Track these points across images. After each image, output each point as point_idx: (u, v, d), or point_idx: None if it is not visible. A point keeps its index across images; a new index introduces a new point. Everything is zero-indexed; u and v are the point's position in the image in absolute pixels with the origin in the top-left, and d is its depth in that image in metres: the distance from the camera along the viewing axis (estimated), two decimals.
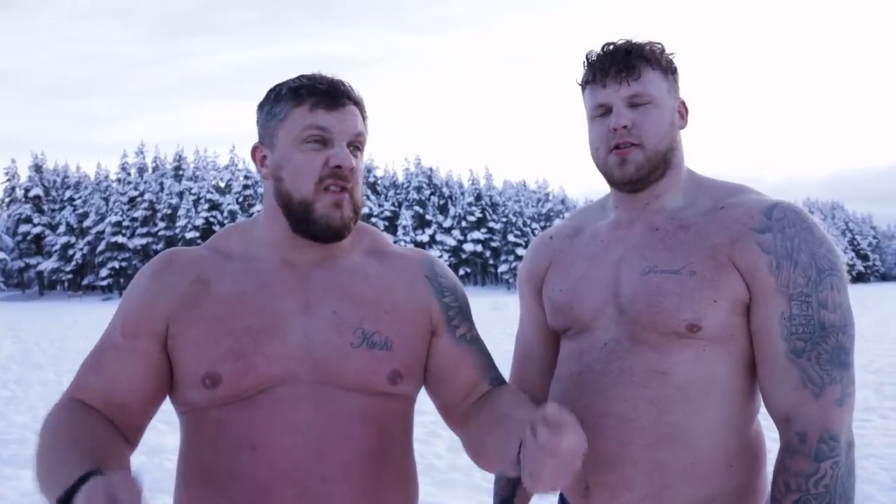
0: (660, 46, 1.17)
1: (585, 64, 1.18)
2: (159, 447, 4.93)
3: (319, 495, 0.98)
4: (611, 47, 1.16)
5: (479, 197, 70.11)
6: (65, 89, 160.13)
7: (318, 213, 1.04)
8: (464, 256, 66.57)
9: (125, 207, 59.58)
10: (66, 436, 0.96)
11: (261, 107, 1.11)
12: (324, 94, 1.06)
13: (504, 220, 69.16)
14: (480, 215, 68.67)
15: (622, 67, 1.13)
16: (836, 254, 1.09)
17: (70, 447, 0.92)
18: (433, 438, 5.23)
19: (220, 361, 1.00)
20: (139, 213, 59.51)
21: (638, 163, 1.13)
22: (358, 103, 1.09)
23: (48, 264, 58.83)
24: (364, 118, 1.11)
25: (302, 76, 1.09)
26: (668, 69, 1.17)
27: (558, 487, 0.87)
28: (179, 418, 1.08)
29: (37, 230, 59.95)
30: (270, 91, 1.10)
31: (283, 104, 1.07)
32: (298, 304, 1.05)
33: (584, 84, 1.19)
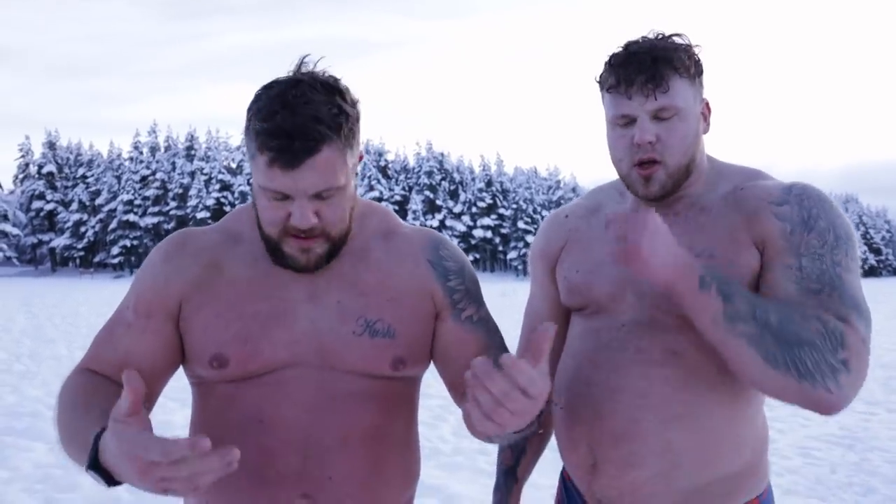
0: (687, 48, 1.12)
1: (608, 67, 1.13)
2: (168, 423, 5.00)
3: (322, 462, 1.04)
4: (636, 50, 1.10)
5: (489, 183, 69.90)
6: (77, 68, 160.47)
7: (285, 251, 1.03)
8: (473, 242, 66.52)
9: (137, 186, 59.87)
10: (83, 399, 0.99)
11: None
12: (280, 150, 0.93)
13: (514, 206, 68.96)
14: (491, 201, 68.52)
15: (649, 78, 1.07)
16: (853, 231, 1.09)
17: (86, 412, 0.94)
18: (439, 422, 5.27)
19: (227, 345, 1.04)
20: (151, 192, 59.80)
21: (662, 181, 1.12)
22: (329, 141, 0.94)
23: (60, 241, 59.36)
24: (345, 145, 0.97)
25: (268, 104, 0.95)
26: (696, 74, 1.12)
27: (497, 424, 0.81)
28: (192, 388, 1.13)
29: (50, 207, 60.45)
30: (252, 102, 1.00)
31: (250, 136, 0.98)
32: (306, 293, 1.07)
33: (607, 88, 1.14)
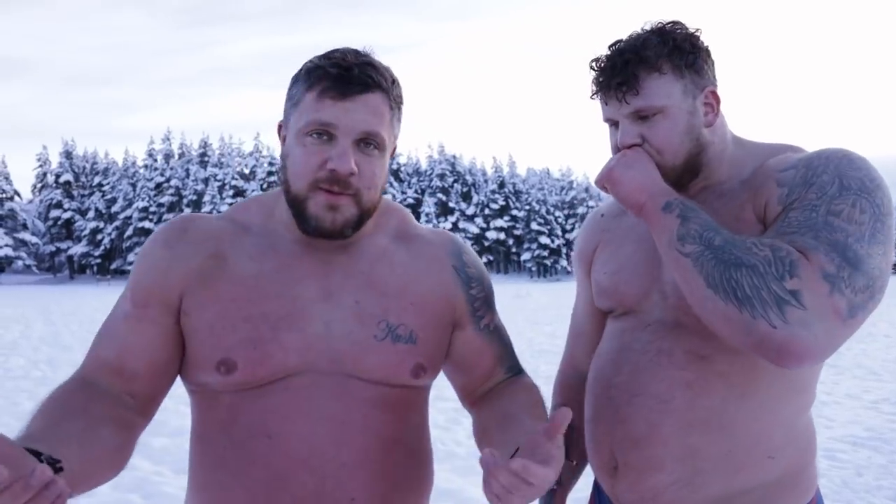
0: (671, 39, 1.04)
1: (589, 72, 1.10)
2: (183, 429, 4.98)
3: (340, 481, 0.96)
4: (612, 52, 1.06)
5: (502, 184, 69.74)
6: (92, 77, 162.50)
7: (309, 211, 0.97)
8: (487, 244, 66.40)
9: (152, 193, 60.40)
10: (41, 404, 0.94)
11: (290, 82, 1.04)
12: (335, 79, 0.94)
13: (527, 208, 68.75)
14: (503, 203, 68.35)
15: (621, 82, 1.03)
16: (878, 188, 0.94)
17: (34, 415, 0.90)
18: (454, 426, 5.21)
19: (235, 348, 0.96)
20: (165, 199, 60.27)
21: None
22: (383, 89, 0.97)
23: (78, 249, 59.98)
24: (392, 107, 0.99)
25: (327, 54, 0.99)
26: (683, 65, 1.04)
27: None
28: (190, 397, 1.05)
29: (67, 215, 61.09)
30: (301, 67, 1.02)
31: (298, 86, 0.99)
32: (320, 291, 1.00)
33: (590, 95, 1.11)
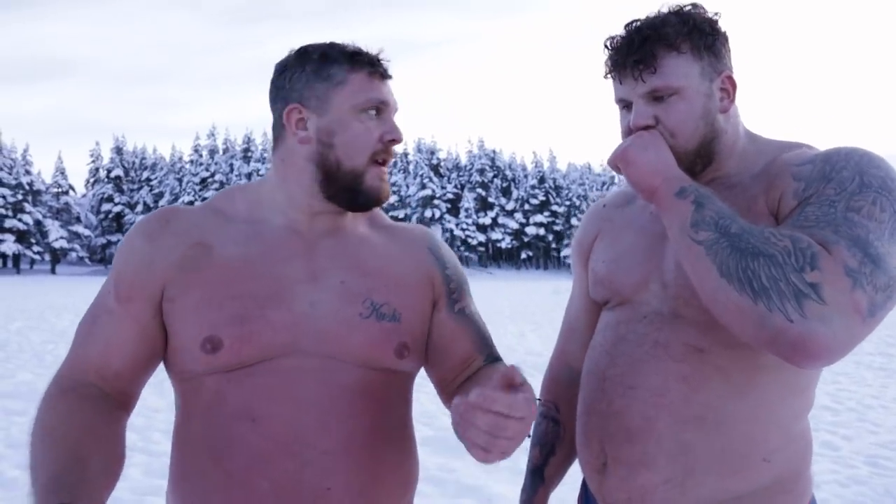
0: (690, 20, 1.01)
1: (604, 51, 1.06)
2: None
3: (321, 469, 0.94)
4: (629, 30, 1.03)
5: (542, 180, 69.20)
6: (142, 76, 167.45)
7: (366, 184, 1.03)
8: (526, 240, 66.05)
9: (197, 188, 61.95)
10: (51, 431, 0.90)
11: (295, 67, 1.03)
12: (377, 64, 1.05)
13: (568, 203, 68.10)
14: (543, 198, 67.83)
15: (638, 60, 1.00)
16: None
17: (52, 445, 0.88)
18: None
19: (222, 325, 0.95)
20: (210, 194, 61.35)
21: None
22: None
23: None
24: None
25: (336, 42, 1.06)
26: (702, 46, 1.01)
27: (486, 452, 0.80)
28: (175, 389, 1.04)
29: (117, 209, 63.14)
30: (305, 52, 1.04)
31: (336, 67, 1.02)
32: (305, 273, 1.02)
33: (604, 75, 1.07)
